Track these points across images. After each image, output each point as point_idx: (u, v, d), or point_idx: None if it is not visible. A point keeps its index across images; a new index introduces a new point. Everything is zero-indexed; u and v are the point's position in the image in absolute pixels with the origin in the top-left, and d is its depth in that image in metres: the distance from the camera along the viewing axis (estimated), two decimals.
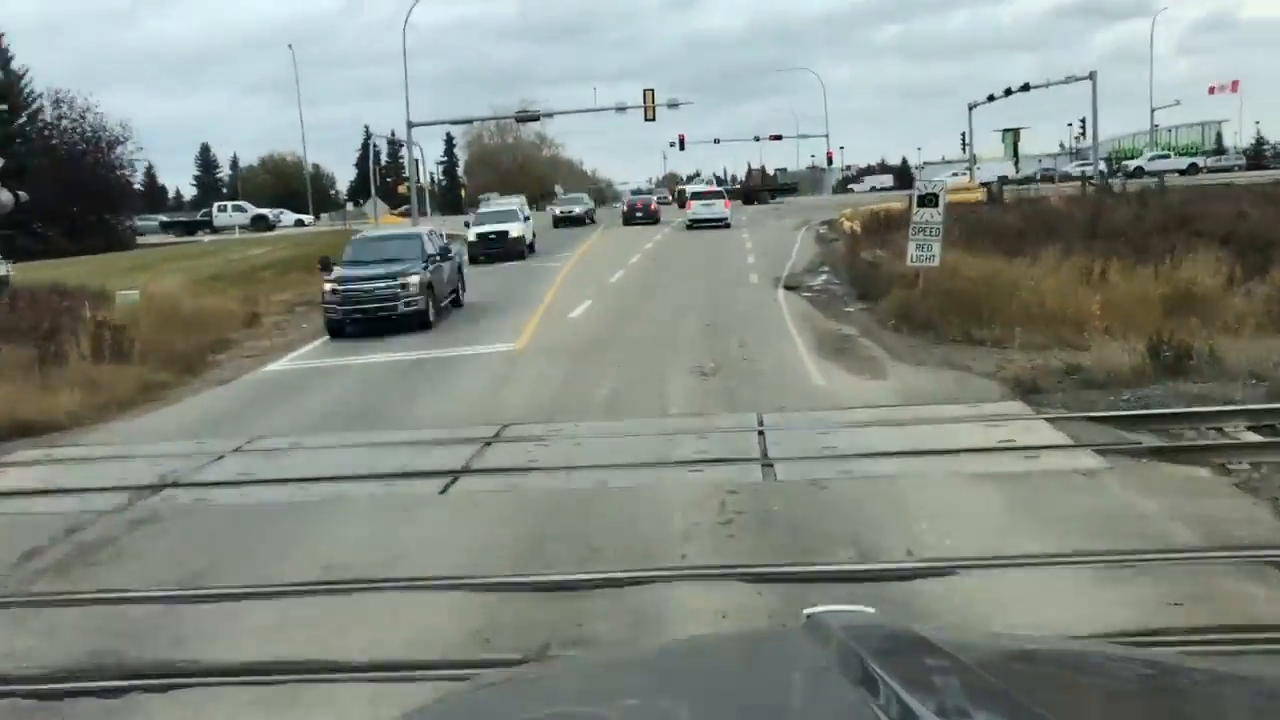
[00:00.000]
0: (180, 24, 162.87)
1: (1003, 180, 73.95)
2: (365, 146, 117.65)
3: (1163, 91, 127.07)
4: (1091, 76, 51.99)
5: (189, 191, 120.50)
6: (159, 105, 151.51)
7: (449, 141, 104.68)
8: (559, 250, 33.77)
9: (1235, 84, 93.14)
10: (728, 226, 40.22)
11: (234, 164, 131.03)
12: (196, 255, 36.65)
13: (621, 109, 46.91)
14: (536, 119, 45.75)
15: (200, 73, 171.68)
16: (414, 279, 17.26)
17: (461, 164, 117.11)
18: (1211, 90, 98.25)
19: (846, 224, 35.86)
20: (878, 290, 18.90)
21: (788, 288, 21.36)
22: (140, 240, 52.04)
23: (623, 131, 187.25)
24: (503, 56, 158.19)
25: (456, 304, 20.29)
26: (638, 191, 60.15)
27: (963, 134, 67.76)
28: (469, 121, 47.67)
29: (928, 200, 16.38)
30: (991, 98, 60.64)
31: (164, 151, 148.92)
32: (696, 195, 42.70)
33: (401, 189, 60.06)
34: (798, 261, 26.79)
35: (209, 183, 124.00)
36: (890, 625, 1.51)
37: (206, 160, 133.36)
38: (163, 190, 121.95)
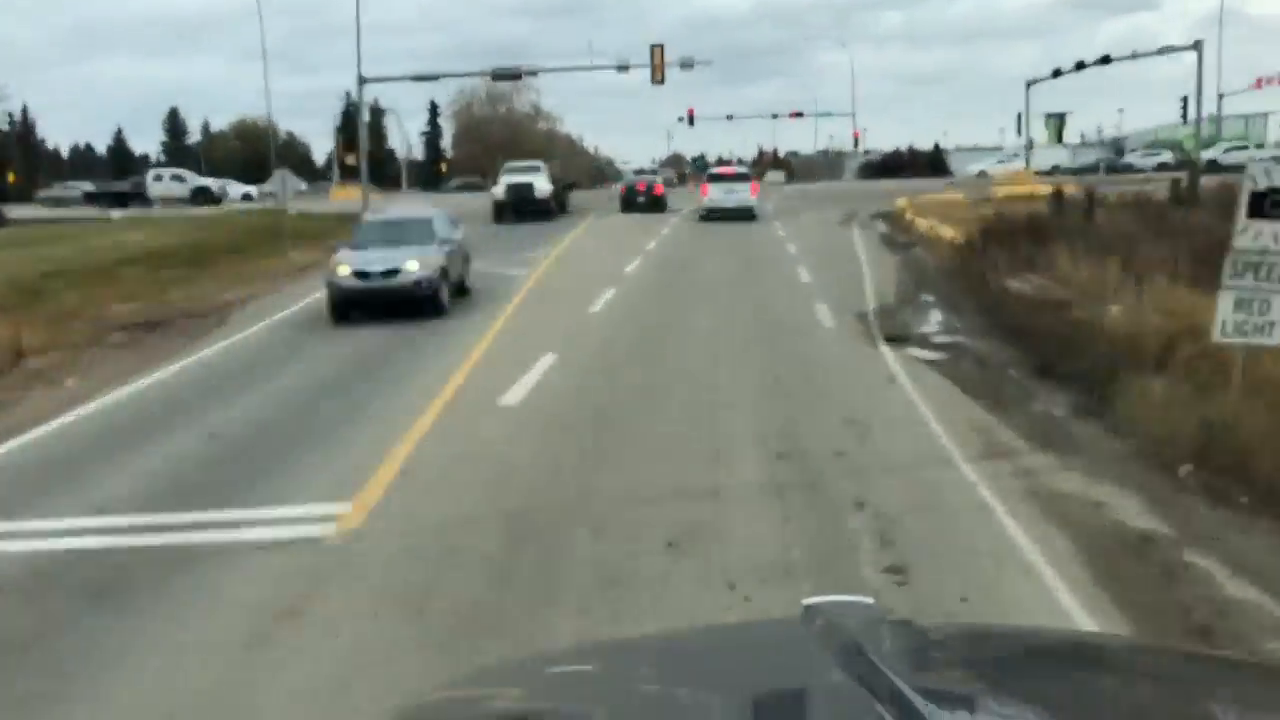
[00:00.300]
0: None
1: (1056, 170, 65.30)
2: (346, 113, 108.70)
3: (1175, 85, 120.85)
4: (1197, 46, 43.01)
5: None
6: (157, 69, 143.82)
7: (432, 111, 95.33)
8: (512, 262, 22.50)
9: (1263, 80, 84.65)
10: (754, 219, 31.38)
11: (205, 130, 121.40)
12: (50, 239, 27.68)
13: (623, 68, 37.97)
14: (517, 77, 37.02)
15: (202, 39, 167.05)
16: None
17: (448, 135, 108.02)
18: (1259, 84, 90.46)
19: (917, 221, 26.97)
20: (1072, 360, 10.12)
21: (891, 340, 12.47)
22: (32, 215, 42.94)
23: (625, 109, 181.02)
24: (505, 33, 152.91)
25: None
26: (641, 171, 50.93)
27: (1018, 115, 58.65)
28: (434, 78, 38.35)
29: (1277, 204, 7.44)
30: (1057, 72, 51.56)
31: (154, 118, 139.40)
32: (715, 178, 33.36)
33: (350, 159, 50.99)
34: (878, 282, 17.85)
35: (177, 149, 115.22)
36: (889, 615, 1.49)
37: (175, 125, 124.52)
38: (136, 158, 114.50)
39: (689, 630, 2.00)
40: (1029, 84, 56.36)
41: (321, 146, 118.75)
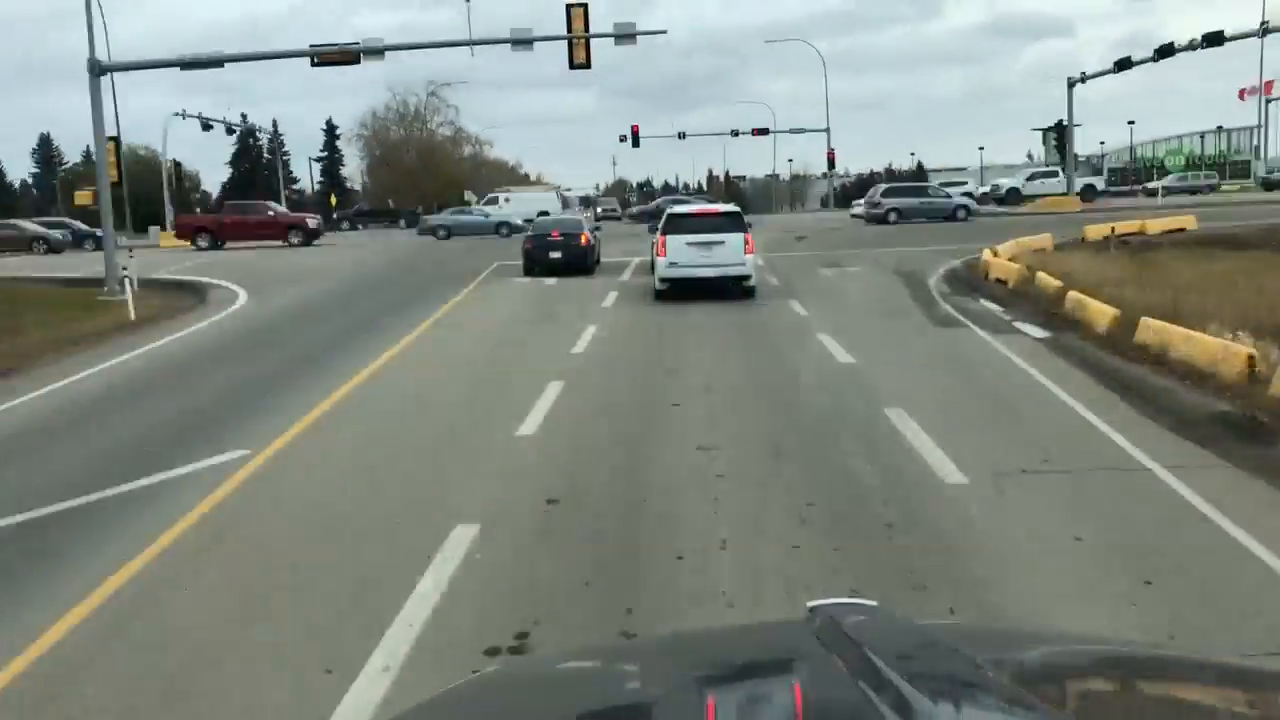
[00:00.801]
0: (132, 22, 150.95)
1: (1093, 192, 52.86)
2: (244, 139, 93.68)
3: (1091, 107, 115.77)
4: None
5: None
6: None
7: (330, 132, 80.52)
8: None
9: (1270, 84, 74.27)
10: (752, 293, 17.57)
11: (86, 157, 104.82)
12: None
13: (523, 42, 24.06)
14: (380, 55, 22.13)
15: (142, 73, 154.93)
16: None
17: (351, 161, 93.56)
18: (1242, 95, 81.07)
19: (1087, 306, 13.42)
20: None
21: None
22: None
23: (567, 135, 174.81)
24: (446, 61, 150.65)
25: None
26: (546, 217, 35.80)
27: (1059, 123, 45.68)
28: (213, 64, 22.91)
29: None
30: (1129, 62, 38.81)
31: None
32: (680, 223, 18.11)
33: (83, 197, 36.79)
34: None
35: (48, 180, 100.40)
36: (893, 617, 1.48)
37: (47, 153, 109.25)
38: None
39: (693, 631, 1.93)
40: (1071, 83, 43.49)
41: (216, 178, 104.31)
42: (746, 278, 17.32)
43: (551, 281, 21.48)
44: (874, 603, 1.55)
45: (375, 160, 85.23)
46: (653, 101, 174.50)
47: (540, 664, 1.96)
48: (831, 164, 66.05)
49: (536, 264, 22.39)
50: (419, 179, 78.96)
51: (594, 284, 20.89)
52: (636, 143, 61.69)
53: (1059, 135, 44.96)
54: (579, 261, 22.34)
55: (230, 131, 73.38)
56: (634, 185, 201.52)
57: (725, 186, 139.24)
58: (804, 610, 1.47)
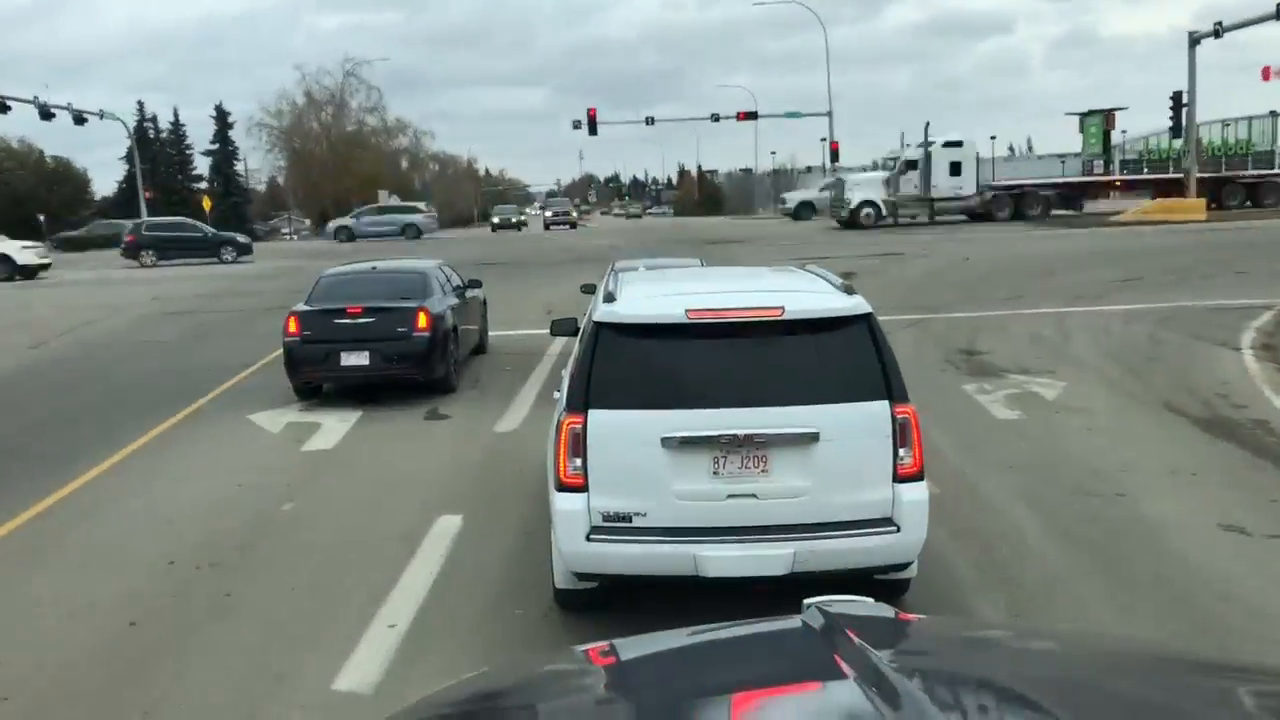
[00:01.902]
0: (76, 23, 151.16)
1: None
2: (140, 130, 79.83)
3: (1038, 101, 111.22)
4: None
5: None
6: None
7: (220, 119, 66.86)
8: None
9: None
10: (906, 589, 4.64)
11: None
12: None
13: None
14: None
15: (88, 73, 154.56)
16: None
17: (254, 155, 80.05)
18: (1267, 75, 70.03)
19: None
20: None
21: None
22: None
23: (530, 132, 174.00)
24: (403, 62, 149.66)
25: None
26: (345, 269, 21.08)
27: (1176, 95, 33.25)
28: None
29: None
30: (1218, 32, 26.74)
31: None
32: (643, 346, 4.47)
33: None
34: None
35: None
36: (890, 614, 1.48)
37: None
38: None
39: (690, 629, 1.77)
40: (1196, 40, 31.12)
41: (109, 177, 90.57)
42: (900, 566, 4.49)
43: (313, 445, 8.59)
44: (870, 600, 1.51)
45: (293, 155, 71.85)
46: (613, 97, 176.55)
47: (535, 663, 1.77)
48: (835, 156, 53.35)
49: (311, 380, 9.62)
50: (333, 176, 65.74)
51: (422, 462, 8.09)
52: (594, 130, 49.03)
53: (1175, 109, 32.51)
54: (410, 372, 9.56)
55: (96, 117, 59.57)
56: (602, 180, 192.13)
57: (699, 183, 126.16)
58: (803, 608, 1.44)
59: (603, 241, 34.59)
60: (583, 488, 4.31)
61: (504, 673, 1.82)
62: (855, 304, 4.47)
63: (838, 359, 4.43)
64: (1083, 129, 66.18)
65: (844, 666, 1.21)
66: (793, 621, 1.47)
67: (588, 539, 4.30)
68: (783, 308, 4.37)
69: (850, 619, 1.39)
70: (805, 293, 4.69)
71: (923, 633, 1.49)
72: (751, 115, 55.92)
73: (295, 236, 77.10)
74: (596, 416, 4.29)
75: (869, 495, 4.32)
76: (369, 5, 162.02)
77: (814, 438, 4.25)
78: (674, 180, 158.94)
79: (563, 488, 4.36)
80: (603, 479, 4.30)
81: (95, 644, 4.86)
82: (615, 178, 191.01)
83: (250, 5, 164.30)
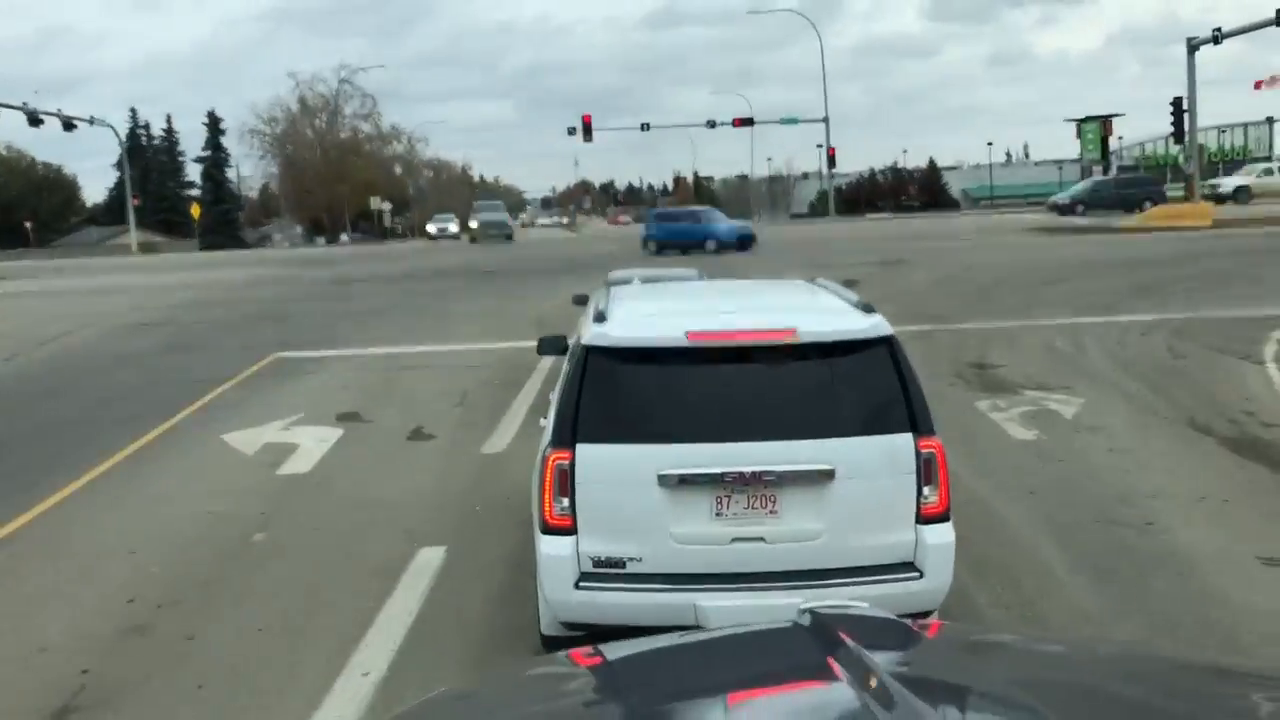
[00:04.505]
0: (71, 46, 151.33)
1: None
2: (133, 137, 79.56)
3: (994, 113, 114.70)
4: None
5: None
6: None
7: (213, 127, 66.43)
8: None
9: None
10: None
11: None
12: None
13: None
14: None
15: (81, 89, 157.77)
16: None
17: (247, 162, 79.68)
18: (1259, 85, 70.25)
19: None
20: None
21: None
22: None
23: (523, 140, 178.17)
24: (381, 77, 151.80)
25: None
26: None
27: (1176, 101, 32.99)
28: None
29: None
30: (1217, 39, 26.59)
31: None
32: (641, 377, 4.07)
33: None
34: None
35: None
36: (885, 619, 1.49)
37: None
38: None
39: (685, 637, 1.81)
40: (1194, 46, 30.93)
41: (100, 184, 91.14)
42: (924, 615, 3.80)
43: (289, 469, 8.23)
44: (865, 605, 1.53)
45: (286, 161, 71.55)
46: (608, 105, 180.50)
47: (533, 667, 1.82)
48: (832, 161, 53.08)
49: None
50: (326, 182, 65.41)
51: (404, 487, 7.76)
52: (589, 135, 48.63)
53: (1176, 115, 32.27)
54: None
55: (86, 123, 59.38)
56: (597, 186, 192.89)
57: (695, 190, 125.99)
58: (798, 614, 1.44)
59: (603, 249, 34.27)
60: (570, 529, 3.92)
61: (490, 679, 1.77)
62: (875, 324, 4.08)
63: (856, 387, 4.04)
64: (1080, 135, 66.00)
65: (837, 669, 1.21)
66: (786, 624, 1.47)
67: (576, 586, 3.92)
68: (795, 329, 3.95)
69: (844, 621, 1.38)
70: (819, 312, 4.32)
71: (917, 636, 1.49)
72: (748, 121, 55.71)
73: (288, 244, 76.77)
74: (585, 452, 3.88)
75: (889, 538, 3.93)
76: (344, 32, 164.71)
77: (829, 475, 3.86)
78: (669, 186, 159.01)
79: (548, 530, 3.95)
80: (592, 520, 3.90)
81: (41, 697, 4.47)
82: (611, 184, 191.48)
83: (229, 36, 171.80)
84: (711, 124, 53.89)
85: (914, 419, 3.96)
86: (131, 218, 51.59)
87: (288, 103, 68.30)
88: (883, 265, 22.53)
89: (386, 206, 56.65)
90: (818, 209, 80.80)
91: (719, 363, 3.97)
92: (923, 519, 3.94)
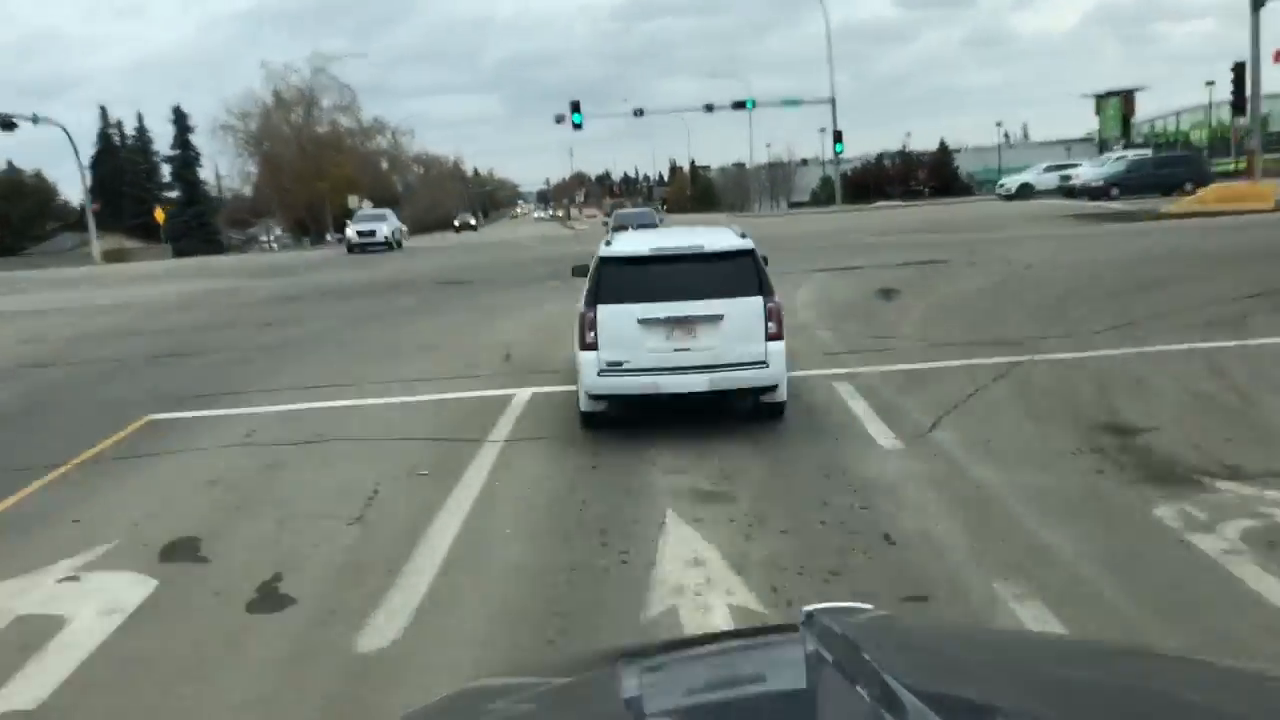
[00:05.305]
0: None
1: None
2: (104, 138, 76.10)
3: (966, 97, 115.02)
4: None
5: None
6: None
7: (179, 123, 62.80)
8: None
9: None
10: (780, 413, 8.27)
11: None
12: None
13: None
14: None
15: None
16: None
17: (221, 159, 75.97)
18: (1277, 58, 66.93)
19: None
20: None
21: None
22: None
23: (514, 134, 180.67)
24: (360, 74, 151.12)
25: None
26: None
27: (1238, 66, 29.46)
28: None
29: None
30: None
31: None
32: (627, 273, 8.10)
33: None
34: None
35: None
36: (891, 621, 1.53)
37: None
38: None
39: (691, 638, 1.85)
40: (1258, 3, 27.41)
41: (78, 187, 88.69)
42: (771, 388, 8.02)
43: (20, 684, 4.86)
44: (869, 606, 1.53)
45: (265, 158, 67.96)
46: (600, 93, 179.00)
47: (535, 673, 1.85)
48: (838, 142, 49.32)
49: None
50: (306, 180, 61.94)
51: None
52: (579, 122, 45.22)
53: (1237, 81, 28.65)
54: None
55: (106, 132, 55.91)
56: (593, 179, 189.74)
57: (691, 178, 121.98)
58: (802, 615, 1.45)
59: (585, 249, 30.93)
60: (595, 347, 7.75)
61: (492, 686, 1.74)
62: (746, 244, 8.01)
63: (734, 274, 7.85)
64: (1099, 111, 62.61)
65: (842, 673, 1.20)
66: (791, 628, 1.46)
67: (599, 375, 7.77)
68: (703, 246, 8.02)
69: (849, 625, 1.37)
70: (718, 238, 8.29)
71: (922, 639, 1.48)
72: (741, 105, 52.10)
73: (275, 246, 73.14)
74: (602, 309, 7.76)
75: (752, 348, 7.75)
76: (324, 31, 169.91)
77: (720, 317, 7.73)
78: (665, 176, 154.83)
79: (584, 348, 7.77)
80: (606, 343, 7.74)
81: None
82: (606, 175, 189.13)
83: (210, 37, 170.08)
84: (709, 108, 50.53)
85: (763, 290, 7.79)
86: (92, 225, 48.21)
87: (261, 96, 64.78)
88: (919, 267, 19.11)
89: (366, 206, 53.19)
90: (821, 196, 77.15)
91: (666, 263, 7.97)
92: (768, 339, 7.72)
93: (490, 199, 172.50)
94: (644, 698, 1.36)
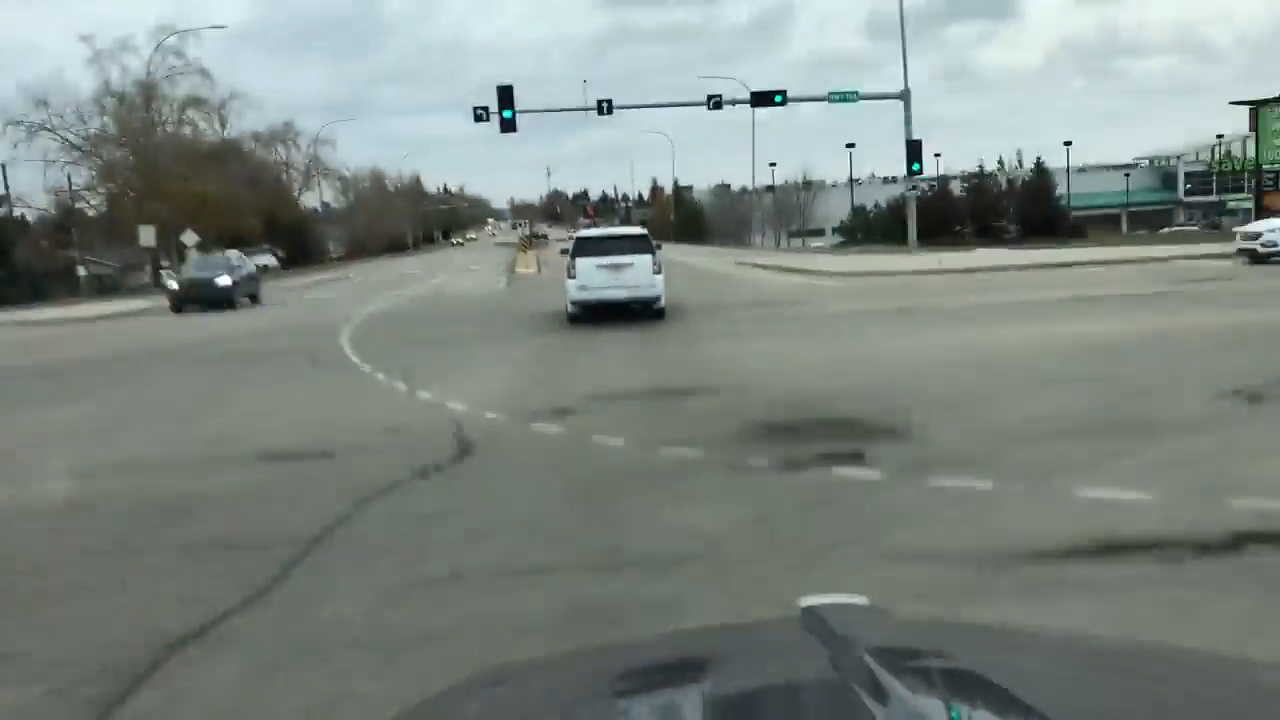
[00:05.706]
0: None
1: None
2: None
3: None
4: None
5: None
6: None
7: None
8: None
9: None
10: (661, 315, 19.10)
11: None
12: None
13: None
14: None
15: None
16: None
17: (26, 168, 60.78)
18: None
19: None
20: None
21: None
22: None
23: (494, 152, 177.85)
24: (349, 92, 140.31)
25: None
26: None
27: None
28: None
29: None
30: None
31: None
32: (589, 244, 20.06)
33: None
34: None
35: None
36: (886, 615, 1.55)
37: None
38: None
39: (685, 632, 1.94)
40: None
41: None
42: (655, 299, 18.38)
43: None
44: (865, 600, 1.57)
45: (103, 167, 51.74)
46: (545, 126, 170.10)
47: (531, 667, 1.81)
48: (915, 156, 34.28)
49: None
50: (141, 200, 46.48)
51: None
52: (509, 119, 30.71)
53: None
54: None
55: None
56: (569, 196, 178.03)
57: (675, 200, 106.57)
58: (797, 609, 1.48)
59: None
60: (575, 278, 17.76)
61: (486, 678, 1.76)
62: (645, 231, 20.17)
63: (640, 244, 18.22)
64: (1259, 123, 47.94)
65: (838, 669, 1.22)
66: (786, 622, 1.47)
67: (578, 290, 17.73)
68: (627, 234, 19.79)
69: (846, 620, 1.39)
70: (635, 229, 23.12)
71: (919, 634, 1.51)
72: (765, 98, 37.21)
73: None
74: (578, 261, 17.79)
75: (649, 279, 17.61)
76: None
77: (632, 264, 17.64)
78: (644, 196, 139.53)
79: (570, 279, 17.81)
80: (580, 275, 17.69)
81: None
82: (584, 193, 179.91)
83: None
84: (718, 104, 35.64)
85: (652, 251, 17.98)
86: None
87: (78, 81, 49.25)
88: None
89: (192, 240, 38.36)
90: (852, 231, 61.87)
91: (610, 240, 18.98)
92: (655, 274, 17.71)
93: (455, 217, 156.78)
94: (636, 691, 1.39)
